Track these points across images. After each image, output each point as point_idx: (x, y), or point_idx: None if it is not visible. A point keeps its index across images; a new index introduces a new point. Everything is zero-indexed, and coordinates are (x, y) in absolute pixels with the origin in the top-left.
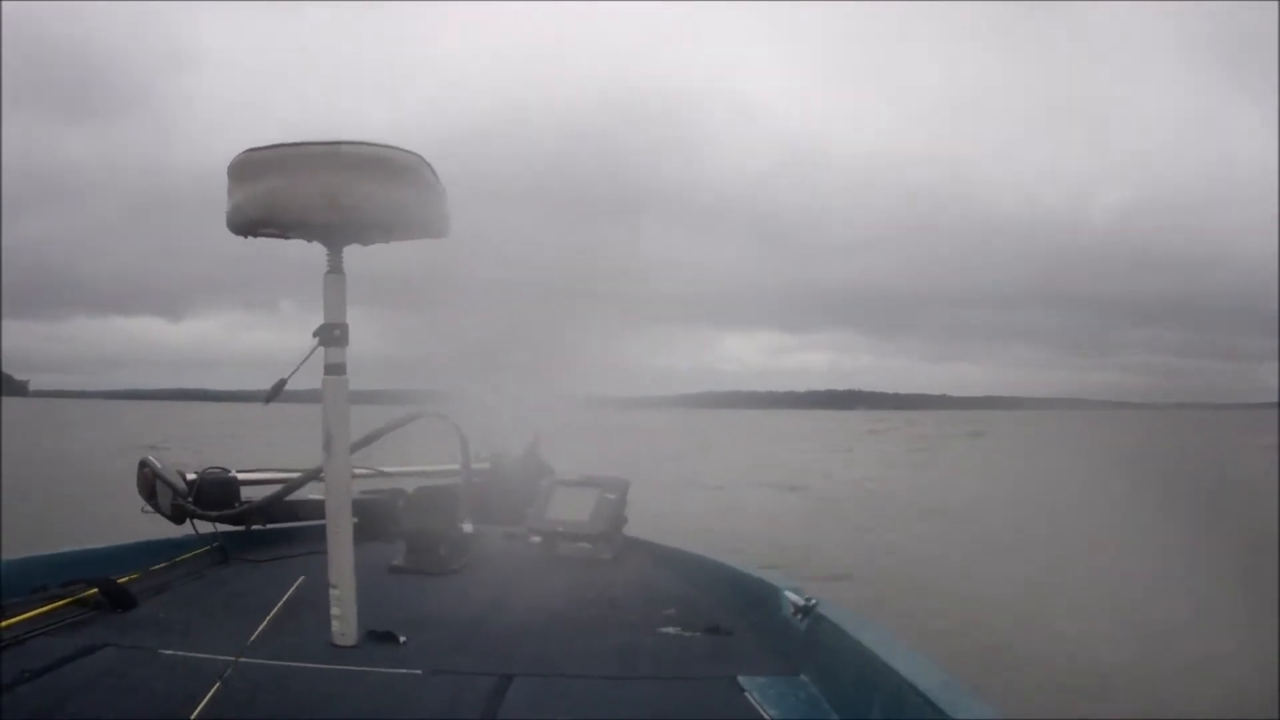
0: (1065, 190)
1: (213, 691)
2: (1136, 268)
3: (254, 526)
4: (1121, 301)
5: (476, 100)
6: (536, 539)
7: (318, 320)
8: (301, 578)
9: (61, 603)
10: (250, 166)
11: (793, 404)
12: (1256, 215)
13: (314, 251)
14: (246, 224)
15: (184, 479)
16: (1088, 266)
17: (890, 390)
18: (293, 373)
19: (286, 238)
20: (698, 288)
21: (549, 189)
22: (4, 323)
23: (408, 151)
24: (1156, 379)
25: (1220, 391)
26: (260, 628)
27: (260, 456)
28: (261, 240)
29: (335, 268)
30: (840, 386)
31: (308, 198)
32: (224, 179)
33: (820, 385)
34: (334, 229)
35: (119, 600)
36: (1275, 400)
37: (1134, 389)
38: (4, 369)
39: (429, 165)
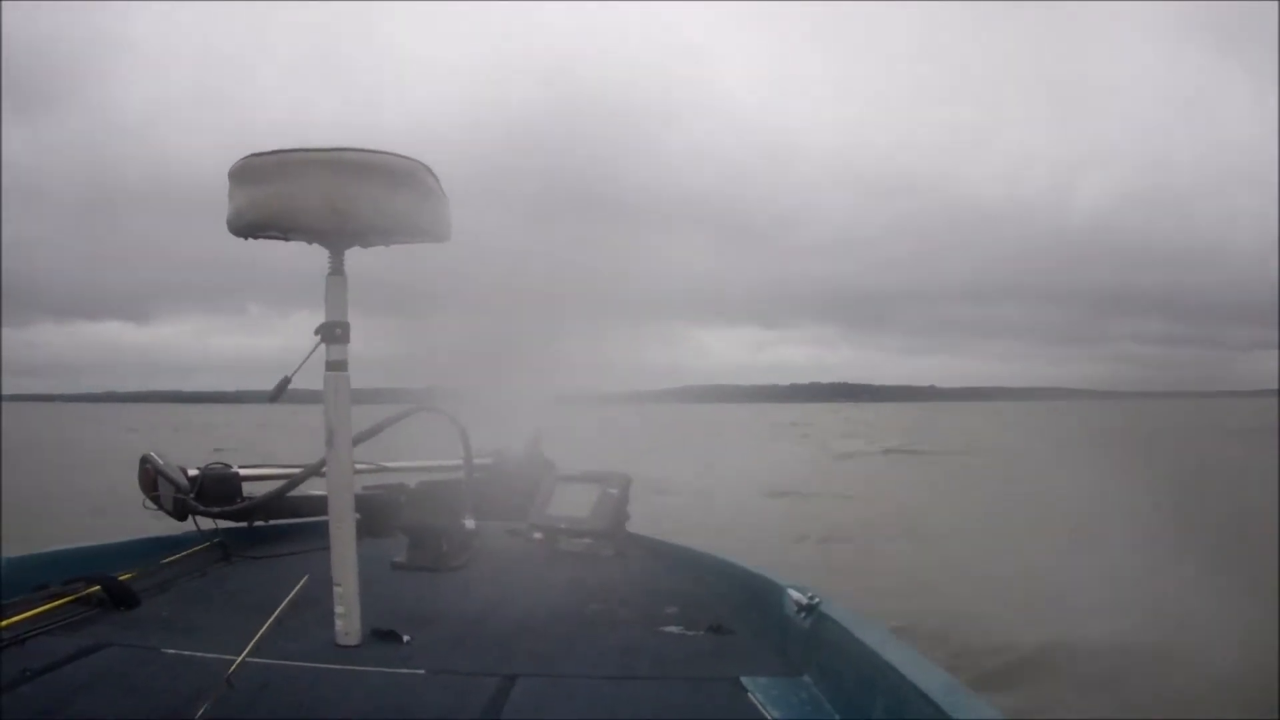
0: (1047, 179)
1: (216, 691)
2: (1121, 258)
3: (256, 523)
4: (1106, 292)
5: (432, 97)
6: (538, 535)
7: (286, 321)
8: (304, 575)
9: (63, 601)
10: (252, 171)
11: (776, 398)
12: (1245, 205)
13: (294, 252)
14: (247, 227)
15: (186, 475)
16: (1071, 257)
17: (876, 383)
18: (296, 370)
19: (287, 240)
20: (671, 284)
21: (511, 187)
22: None
23: (409, 158)
24: (1143, 369)
25: (1207, 380)
26: (264, 627)
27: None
28: (250, 242)
29: (337, 269)
30: (824, 380)
31: (309, 203)
32: (176, 173)
33: (803, 379)
34: (334, 233)
35: (121, 598)
36: (1265, 387)
37: (1120, 379)
38: None
39: (430, 171)
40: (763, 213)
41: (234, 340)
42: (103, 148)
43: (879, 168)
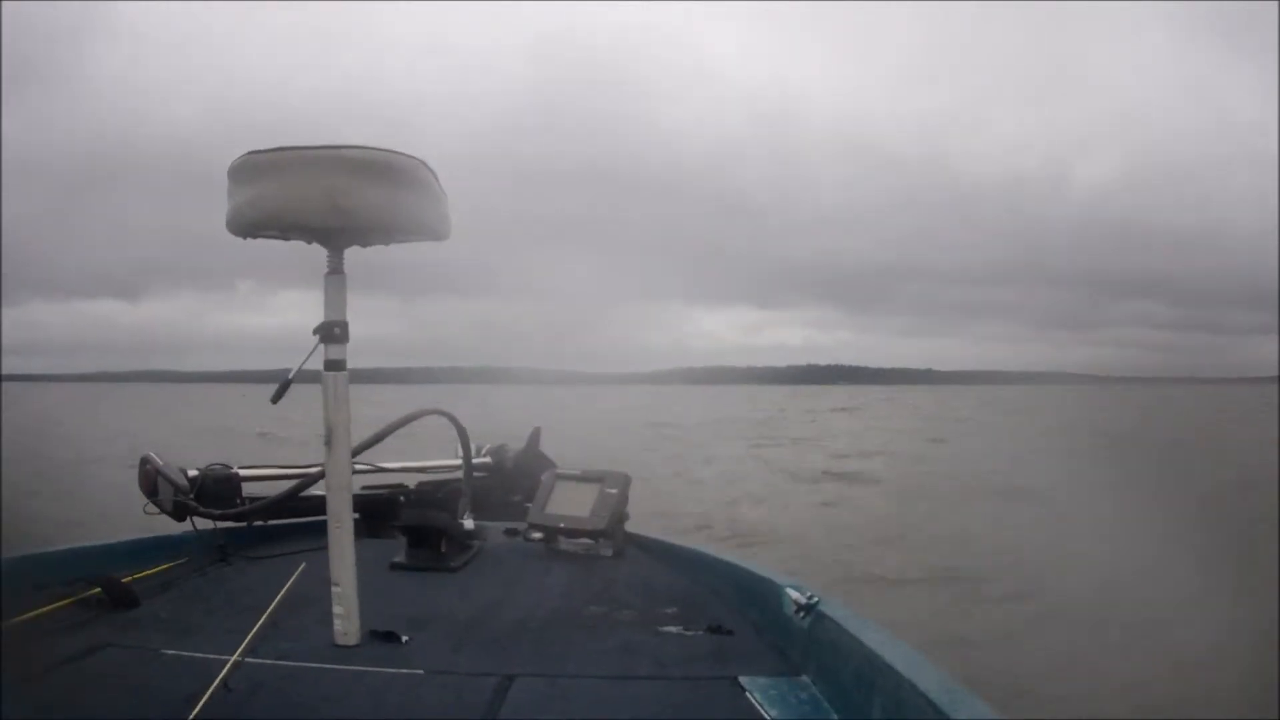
0: (1047, 158)
1: (213, 691)
2: (1123, 239)
3: (255, 523)
4: (1107, 274)
5: (415, 69)
6: (537, 535)
7: (277, 299)
8: (303, 574)
9: (62, 602)
10: (250, 169)
11: (774, 380)
12: (1249, 186)
13: (292, 251)
14: (246, 226)
15: (185, 475)
16: (1072, 238)
17: (873, 365)
18: (295, 372)
19: (286, 239)
20: (667, 263)
21: (497, 162)
22: None
23: (409, 155)
24: (1144, 354)
25: (1209, 366)
26: (261, 627)
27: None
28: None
29: (336, 268)
30: (821, 361)
31: (308, 201)
32: (161, 148)
33: (800, 360)
34: (334, 232)
35: (120, 599)
36: (1266, 374)
37: (1121, 364)
38: None
39: (430, 169)
40: (760, 188)
41: (223, 318)
42: (85, 126)
43: (879, 141)
